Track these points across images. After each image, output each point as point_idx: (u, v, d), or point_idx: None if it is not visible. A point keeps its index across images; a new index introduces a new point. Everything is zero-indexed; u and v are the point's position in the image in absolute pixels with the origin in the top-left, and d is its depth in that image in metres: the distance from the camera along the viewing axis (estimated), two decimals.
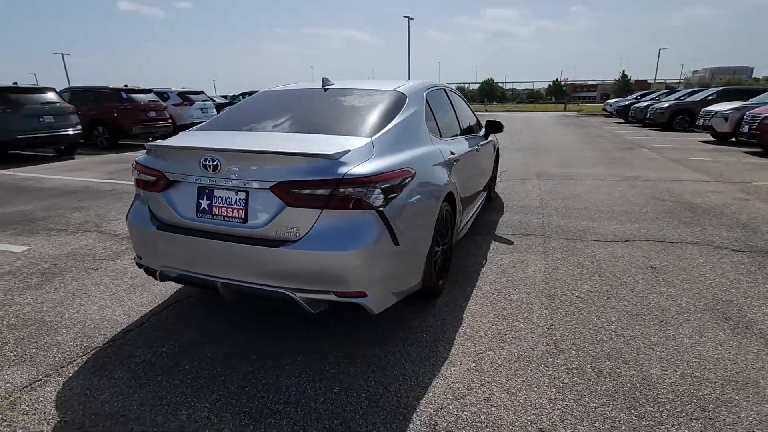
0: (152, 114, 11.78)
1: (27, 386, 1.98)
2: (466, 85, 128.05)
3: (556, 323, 2.49)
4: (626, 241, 3.85)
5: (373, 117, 2.45)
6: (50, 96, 9.52)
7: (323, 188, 1.90)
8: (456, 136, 3.43)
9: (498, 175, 6.11)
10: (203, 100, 15.24)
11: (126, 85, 11.62)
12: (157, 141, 2.31)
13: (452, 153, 2.95)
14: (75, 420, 1.77)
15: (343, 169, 1.91)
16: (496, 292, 2.88)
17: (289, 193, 1.92)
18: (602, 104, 35.40)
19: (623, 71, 71.21)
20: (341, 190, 1.90)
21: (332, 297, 1.98)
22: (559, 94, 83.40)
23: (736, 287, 2.90)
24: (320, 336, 2.37)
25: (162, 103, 12.48)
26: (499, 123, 4.40)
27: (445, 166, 2.75)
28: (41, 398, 1.90)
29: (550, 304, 2.72)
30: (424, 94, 2.96)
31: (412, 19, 39.50)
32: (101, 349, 2.27)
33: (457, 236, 3.32)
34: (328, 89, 2.91)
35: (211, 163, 2.01)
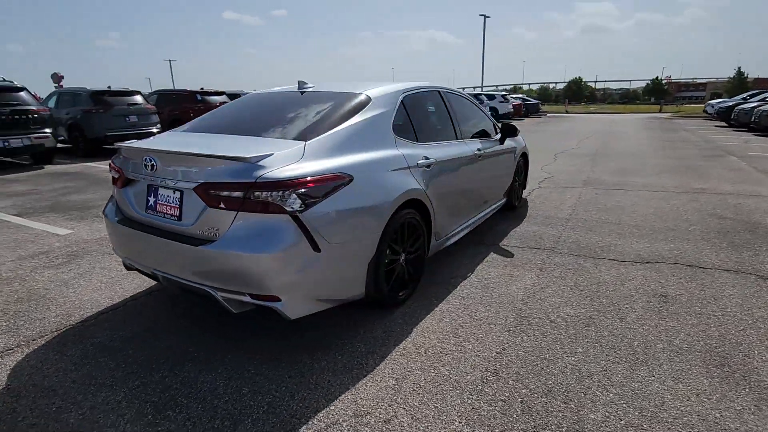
0: None
1: None
2: (552, 85, 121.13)
3: (509, 348, 2.27)
4: (647, 262, 3.38)
5: (321, 120, 2.42)
6: (136, 98, 10.74)
7: (238, 191, 1.92)
8: (446, 140, 3.27)
9: (534, 181, 5.72)
10: None
11: (202, 88, 12.74)
12: (127, 141, 2.50)
13: (426, 158, 2.82)
14: (15, 389, 1.99)
15: (258, 173, 1.91)
16: (463, 308, 2.70)
17: (209, 194, 1.97)
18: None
19: (739, 68, 62.40)
20: (255, 193, 1.91)
21: (248, 299, 2.00)
22: (660, 93, 75.57)
23: (756, 328, 2.42)
24: (270, 336, 2.40)
25: None
26: (513, 127, 4.12)
27: (411, 172, 2.63)
28: (2, 365, 2.16)
29: (516, 326, 2.48)
30: (400, 97, 2.86)
31: (488, 17, 38.29)
32: (72, 328, 2.52)
33: (440, 246, 3.16)
34: (304, 92, 2.94)
35: (149, 163, 2.13)
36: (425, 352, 2.24)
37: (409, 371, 2.09)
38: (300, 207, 1.95)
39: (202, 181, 1.99)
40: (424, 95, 3.24)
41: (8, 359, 2.22)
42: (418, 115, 3.04)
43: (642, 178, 6.84)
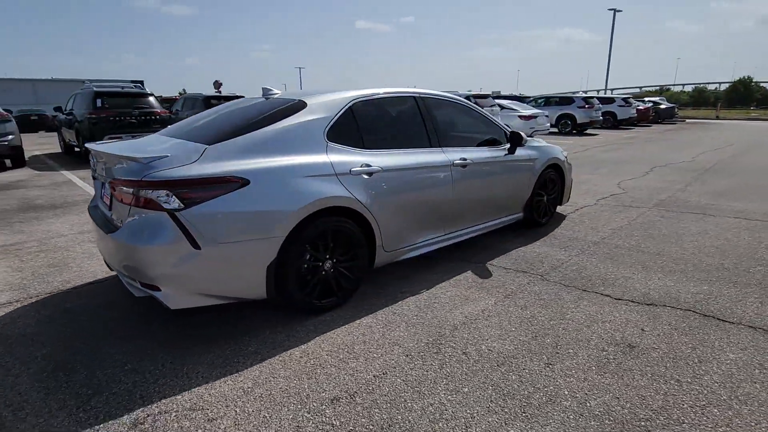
0: None
1: None
2: (713, 86, 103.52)
3: (393, 373, 2.10)
4: (650, 304, 2.78)
5: (242, 126, 2.52)
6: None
7: (129, 187, 2.14)
8: (411, 148, 3.11)
9: (593, 196, 5.02)
10: (490, 106, 13.79)
11: None
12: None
13: (368, 165, 2.74)
14: None
15: (145, 172, 2.11)
16: (384, 325, 2.57)
17: (114, 188, 2.23)
18: None
19: None
20: (141, 191, 2.10)
21: (138, 285, 2.21)
22: None
23: (729, 407, 1.84)
24: (189, 325, 2.61)
25: None
26: (517, 135, 3.73)
27: (338, 179, 2.58)
28: None
29: (422, 352, 2.28)
30: (347, 104, 2.82)
31: (620, 11, 34.11)
32: (59, 293, 3.04)
33: (393, 258, 3.04)
34: (266, 99, 3.07)
35: (92, 160, 2.49)
36: (305, 362, 2.21)
37: (273, 377, 2.08)
38: (179, 206, 2.09)
39: (111, 177, 2.26)
40: (386, 101, 3.14)
41: (3, 310, 2.79)
42: (370, 121, 2.96)
43: (743, 202, 5.53)
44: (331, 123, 2.71)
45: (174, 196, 2.08)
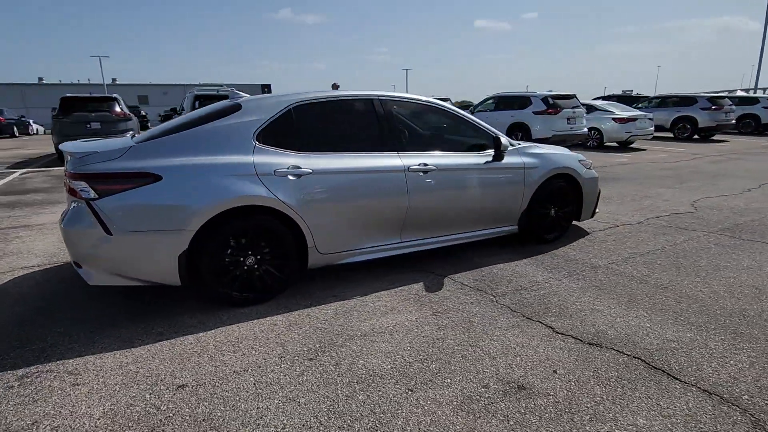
0: None
1: (27, 267, 3.55)
2: None
3: (247, 372, 2.13)
4: (594, 344, 2.35)
5: (178, 126, 2.77)
6: None
7: (66, 178, 2.51)
8: (358, 151, 3.05)
9: (645, 213, 4.34)
10: (573, 107, 11.16)
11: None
12: None
13: (297, 167, 2.78)
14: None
15: (74, 166, 2.45)
16: (286, 324, 2.59)
17: (64, 179, 2.64)
18: None
19: None
20: (70, 181, 2.46)
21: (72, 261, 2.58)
22: None
23: None
24: (131, 298, 2.96)
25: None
26: (498, 140, 3.40)
27: (260, 179, 2.67)
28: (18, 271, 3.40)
29: (295, 357, 2.26)
30: (285, 107, 2.90)
31: None
32: (55, 265, 3.65)
33: (332, 261, 3.03)
34: (233, 100, 3.28)
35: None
36: (190, 349, 2.35)
37: (152, 358, 2.27)
38: (94, 196, 2.39)
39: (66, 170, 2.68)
40: (336, 104, 3.13)
41: (23, 271, 3.47)
42: (311, 124, 2.99)
43: None
44: (264, 125, 2.81)
45: (90, 188, 2.40)
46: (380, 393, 1.98)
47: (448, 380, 2.06)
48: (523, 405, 1.88)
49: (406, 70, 69.34)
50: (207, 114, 2.88)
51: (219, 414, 1.85)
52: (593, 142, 12.54)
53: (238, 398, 1.95)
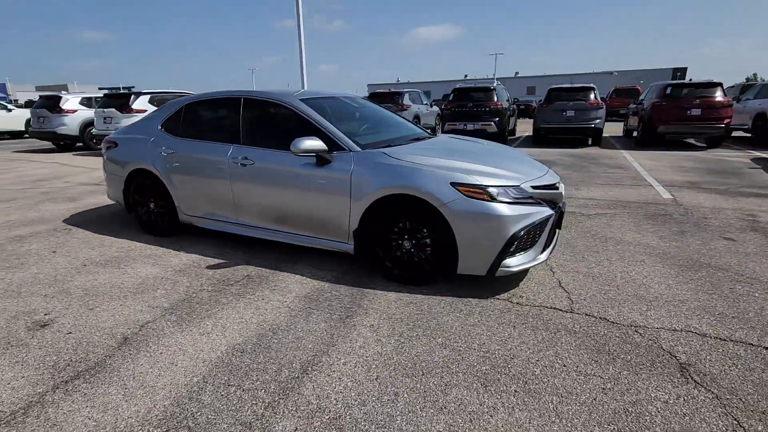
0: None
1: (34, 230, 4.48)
2: None
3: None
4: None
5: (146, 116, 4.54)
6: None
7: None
8: (212, 141, 3.79)
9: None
10: None
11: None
12: None
13: (169, 148, 3.97)
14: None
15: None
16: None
17: None
18: None
19: None
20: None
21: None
22: None
23: None
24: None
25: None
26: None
27: (150, 152, 4.05)
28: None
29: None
30: (182, 104, 4.09)
31: None
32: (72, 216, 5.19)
33: (189, 221, 4.00)
34: None
35: None
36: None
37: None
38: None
39: None
40: (213, 102, 4.08)
41: (22, 230, 4.54)
42: (191, 118, 4.06)
43: None
44: (166, 118, 4.15)
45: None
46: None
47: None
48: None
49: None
50: (152, 110, 4.58)
51: None
52: None
53: None
